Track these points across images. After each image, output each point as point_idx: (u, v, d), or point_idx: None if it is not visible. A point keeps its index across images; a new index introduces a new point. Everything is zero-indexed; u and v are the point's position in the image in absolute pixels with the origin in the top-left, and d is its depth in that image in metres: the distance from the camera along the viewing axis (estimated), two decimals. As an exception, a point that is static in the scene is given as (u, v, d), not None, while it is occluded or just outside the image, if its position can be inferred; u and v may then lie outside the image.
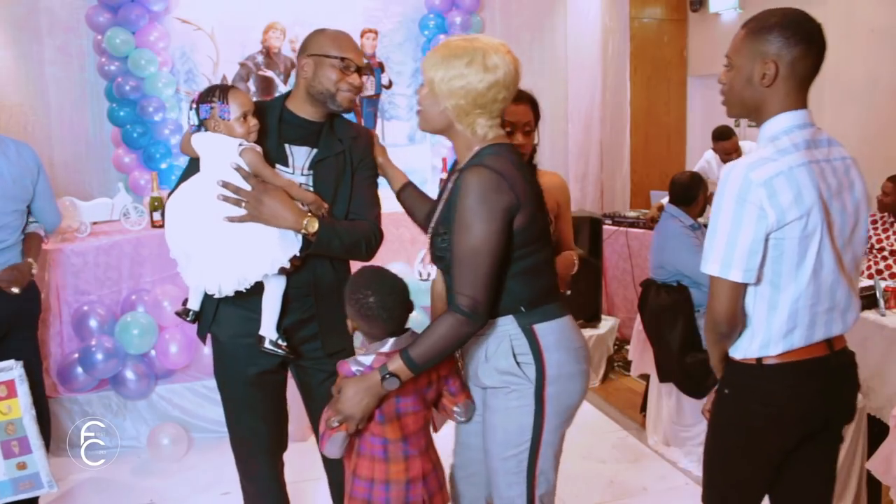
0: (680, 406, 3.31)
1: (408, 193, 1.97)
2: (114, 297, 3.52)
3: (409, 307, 1.70)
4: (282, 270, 1.84)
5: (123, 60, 4.13)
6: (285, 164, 1.92)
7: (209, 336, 2.06)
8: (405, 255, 3.69)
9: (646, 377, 3.70)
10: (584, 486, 3.05)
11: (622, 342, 4.70)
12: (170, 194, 1.93)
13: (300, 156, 1.94)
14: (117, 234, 3.56)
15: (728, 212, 1.51)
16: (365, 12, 4.77)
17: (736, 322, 1.59)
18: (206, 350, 3.49)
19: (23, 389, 2.34)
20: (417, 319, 3.56)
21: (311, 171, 1.93)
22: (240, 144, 1.82)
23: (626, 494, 3.03)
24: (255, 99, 1.95)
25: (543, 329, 1.65)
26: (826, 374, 1.63)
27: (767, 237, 1.51)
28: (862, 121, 5.25)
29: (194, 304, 1.98)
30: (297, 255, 1.84)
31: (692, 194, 3.35)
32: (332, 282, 1.97)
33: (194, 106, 1.86)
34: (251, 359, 1.97)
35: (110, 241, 3.50)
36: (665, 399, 3.38)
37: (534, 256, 1.65)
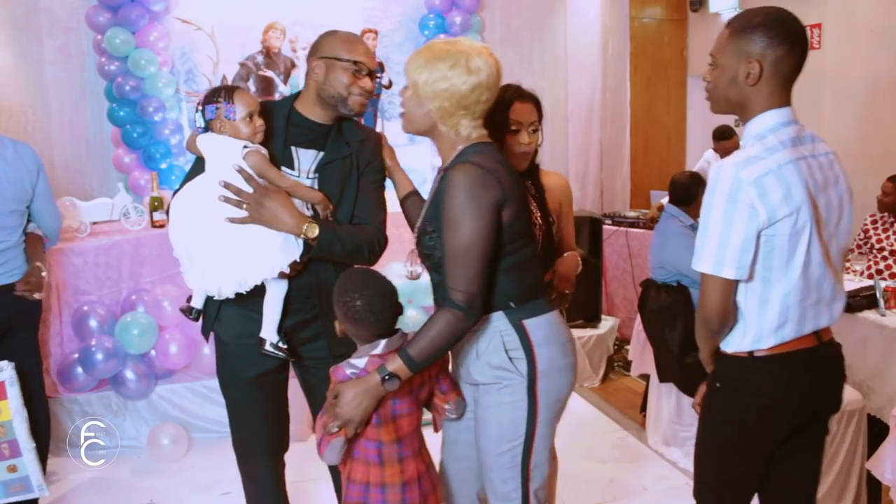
0: (680, 406, 3.31)
1: (411, 202, 1.96)
2: (114, 297, 3.52)
3: (398, 309, 1.70)
4: (282, 275, 1.84)
5: (123, 60, 4.13)
6: (291, 166, 1.91)
7: (212, 335, 2.07)
8: (405, 255, 3.70)
9: (646, 377, 3.70)
10: (584, 486, 3.05)
11: (622, 342, 4.70)
12: (175, 193, 1.93)
13: (306, 159, 1.93)
14: (117, 234, 3.56)
15: (719, 210, 1.53)
16: (365, 12, 4.77)
17: (727, 318, 1.61)
18: (206, 350, 3.52)
19: (13, 392, 2.31)
20: (417, 319, 3.56)
21: (317, 175, 1.93)
22: (244, 147, 1.82)
23: (626, 494, 3.03)
24: (259, 99, 1.94)
25: (533, 324, 1.67)
26: (816, 364, 1.66)
27: (759, 234, 1.53)
28: (862, 121, 5.25)
29: (198, 303, 1.98)
30: (298, 260, 1.84)
31: (692, 194, 3.35)
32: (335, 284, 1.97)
33: (200, 107, 1.86)
34: (253, 359, 1.98)
35: (110, 241, 3.50)
36: (665, 399, 3.38)
37: (521, 252, 1.67)
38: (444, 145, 1.69)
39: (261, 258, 1.81)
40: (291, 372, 2.12)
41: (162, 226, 3.64)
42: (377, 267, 1.97)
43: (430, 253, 1.68)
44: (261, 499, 2.16)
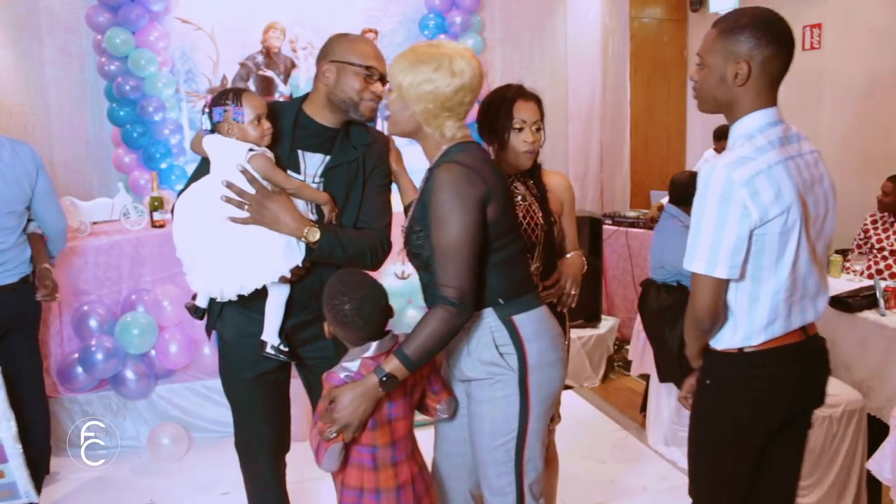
0: (680, 406, 3.31)
1: None
2: (114, 297, 3.52)
3: (388, 313, 1.69)
4: (283, 279, 1.84)
5: (123, 60, 4.13)
6: (297, 170, 1.91)
7: (215, 335, 2.07)
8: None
9: (646, 377, 3.70)
10: (584, 486, 3.05)
11: (622, 342, 4.70)
12: (181, 193, 1.93)
13: (313, 163, 1.92)
14: (117, 234, 3.56)
15: (712, 211, 1.54)
16: (365, 12, 4.77)
17: (718, 317, 1.63)
18: (207, 350, 3.52)
19: None
20: (417, 319, 3.56)
21: (323, 179, 1.92)
22: (249, 150, 1.81)
23: (626, 494, 3.03)
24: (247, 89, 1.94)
25: (522, 319, 1.69)
26: (804, 358, 1.71)
27: (751, 234, 1.55)
28: (862, 121, 5.25)
29: (202, 302, 1.98)
30: (300, 265, 1.84)
31: (692, 194, 3.34)
32: None
33: (206, 109, 1.85)
34: (254, 359, 1.98)
35: (110, 241, 3.50)
36: (665, 399, 3.39)
37: (507, 249, 1.69)
38: (430, 146, 1.71)
39: (263, 261, 1.81)
40: (293, 372, 2.12)
41: (162, 226, 3.64)
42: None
43: (417, 252, 1.70)
44: (262, 499, 2.16)
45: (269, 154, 1.85)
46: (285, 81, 4.65)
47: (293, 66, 4.66)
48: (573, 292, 2.11)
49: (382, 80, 1.88)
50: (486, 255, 1.65)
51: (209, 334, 2.09)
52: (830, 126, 5.36)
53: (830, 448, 2.84)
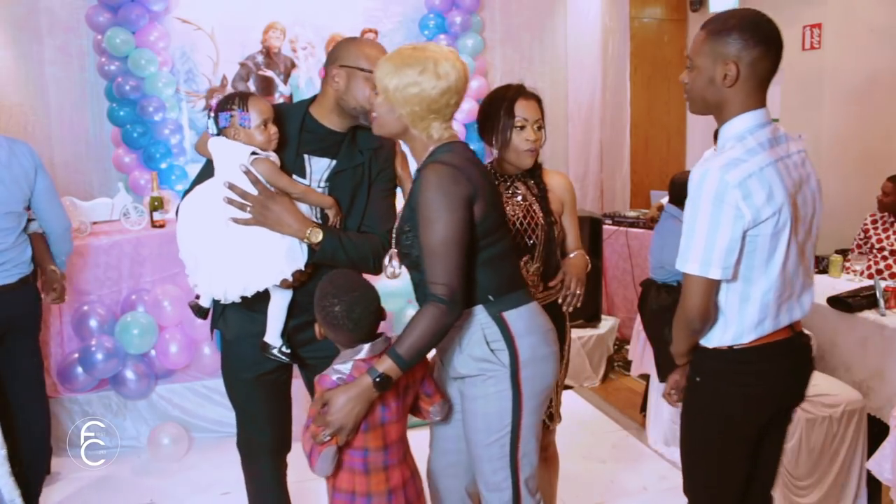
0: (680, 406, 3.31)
1: None
2: (114, 297, 3.52)
3: (380, 315, 1.69)
4: (285, 284, 1.84)
5: (123, 60, 4.13)
6: (302, 174, 1.90)
7: (216, 334, 2.07)
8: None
9: (646, 377, 3.70)
10: (584, 486, 3.05)
11: (622, 342, 4.70)
12: (185, 193, 1.93)
13: (319, 168, 1.92)
14: (117, 234, 3.56)
15: (706, 213, 1.56)
16: (365, 12, 4.77)
17: (709, 317, 1.65)
18: (207, 350, 3.52)
19: None
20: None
21: (328, 184, 1.92)
22: (252, 153, 1.81)
23: (626, 494, 3.03)
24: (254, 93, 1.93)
25: (513, 315, 1.71)
26: (792, 354, 1.74)
27: (744, 235, 1.57)
28: (862, 120, 5.25)
29: (205, 302, 1.98)
30: (302, 269, 1.84)
31: (692, 194, 3.35)
32: None
33: (212, 113, 1.85)
34: (255, 358, 1.98)
35: (110, 241, 3.50)
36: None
37: (496, 246, 1.70)
38: (417, 147, 1.72)
39: (266, 264, 1.81)
40: (295, 372, 2.12)
41: (162, 226, 3.64)
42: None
43: (407, 252, 1.71)
44: (263, 498, 2.17)
45: (273, 157, 1.85)
46: (285, 81, 4.65)
47: (293, 66, 4.66)
48: (578, 292, 2.12)
49: None
50: (475, 253, 1.67)
51: (212, 333, 2.09)
52: (830, 126, 5.35)
53: (830, 448, 2.84)
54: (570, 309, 2.15)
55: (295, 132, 1.90)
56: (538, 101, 2.14)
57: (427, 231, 1.60)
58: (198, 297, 1.99)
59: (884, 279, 3.64)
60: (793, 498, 2.79)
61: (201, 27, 4.47)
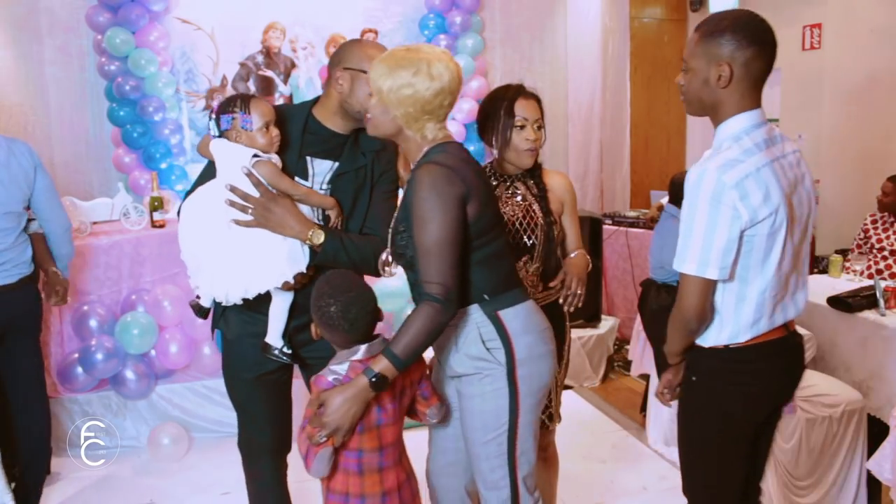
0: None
1: None
2: (114, 297, 3.52)
3: (376, 316, 1.69)
4: (286, 286, 1.84)
5: (123, 60, 4.13)
6: (305, 176, 1.90)
7: (217, 334, 2.07)
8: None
9: (646, 377, 3.70)
10: (584, 486, 3.05)
11: (622, 342, 4.70)
12: (187, 194, 1.93)
13: (321, 170, 1.92)
14: (117, 234, 3.56)
15: (703, 213, 1.56)
16: (365, 12, 4.77)
17: (705, 317, 1.66)
18: (207, 350, 3.52)
19: None
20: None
21: (330, 186, 1.92)
22: (254, 155, 1.81)
23: (626, 494, 3.03)
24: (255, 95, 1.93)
25: (508, 314, 1.72)
26: (787, 353, 1.76)
27: (741, 235, 1.58)
28: (862, 121, 5.25)
29: (206, 302, 1.98)
30: (304, 271, 1.84)
31: (692, 194, 3.35)
32: None
33: (213, 116, 1.84)
34: (255, 358, 1.98)
35: (110, 241, 3.50)
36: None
37: (490, 246, 1.71)
38: (412, 148, 1.73)
39: (268, 267, 1.81)
40: (295, 372, 2.12)
41: (162, 226, 3.64)
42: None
43: (402, 252, 1.72)
44: (263, 498, 2.17)
45: (275, 159, 1.85)
46: (285, 81, 4.65)
47: (293, 66, 4.66)
48: (579, 291, 2.12)
49: None
50: (470, 252, 1.67)
51: (213, 333, 2.09)
52: (830, 126, 5.35)
53: (830, 448, 2.84)
54: (572, 309, 2.15)
55: (297, 134, 1.89)
56: (538, 100, 2.15)
57: (421, 231, 1.60)
58: (198, 296, 1.99)
59: (884, 279, 3.64)
60: (793, 498, 2.79)
61: (201, 27, 4.47)
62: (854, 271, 3.71)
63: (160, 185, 3.97)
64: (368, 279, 2.00)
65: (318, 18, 4.66)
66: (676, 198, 3.40)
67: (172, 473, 3.26)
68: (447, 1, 4.73)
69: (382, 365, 1.57)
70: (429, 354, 1.92)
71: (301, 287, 1.87)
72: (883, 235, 3.98)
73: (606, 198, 5.89)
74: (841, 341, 3.18)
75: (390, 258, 1.82)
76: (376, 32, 4.75)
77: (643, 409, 3.69)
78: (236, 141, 1.82)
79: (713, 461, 1.78)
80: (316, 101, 1.95)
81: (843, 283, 3.59)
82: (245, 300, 1.85)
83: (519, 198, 2.16)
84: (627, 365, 4.15)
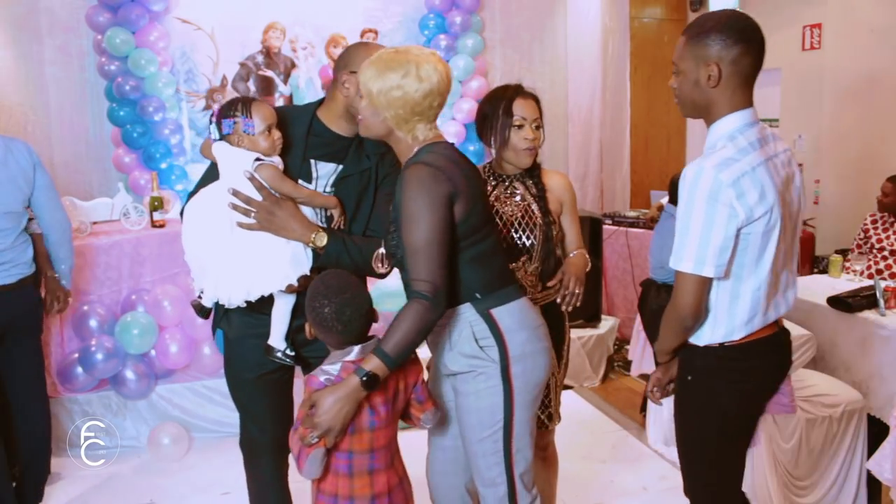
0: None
1: None
2: (114, 297, 3.52)
3: (371, 317, 1.69)
4: (290, 289, 1.84)
5: (123, 60, 4.13)
6: (308, 179, 1.90)
7: (218, 334, 2.07)
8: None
9: (646, 377, 3.69)
10: (584, 486, 3.05)
11: (622, 342, 4.70)
12: (190, 196, 1.93)
13: (325, 172, 1.92)
14: (117, 234, 3.55)
15: (700, 211, 1.58)
16: (365, 12, 4.77)
17: (700, 315, 1.68)
18: (207, 350, 3.52)
19: None
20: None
21: (333, 189, 1.92)
22: (256, 159, 1.81)
23: (626, 494, 3.03)
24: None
25: (501, 312, 1.73)
26: (779, 349, 1.80)
27: (737, 233, 1.59)
28: (862, 121, 5.25)
29: (208, 302, 1.98)
30: (308, 274, 1.84)
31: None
32: None
33: (214, 120, 1.84)
34: (257, 358, 1.98)
35: (110, 240, 3.50)
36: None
37: (481, 244, 1.72)
38: (402, 149, 1.74)
39: (271, 270, 1.82)
40: (297, 372, 2.12)
41: (162, 226, 3.64)
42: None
43: (393, 252, 1.73)
44: (264, 498, 2.17)
45: (276, 161, 1.84)
46: (285, 81, 4.65)
47: (293, 66, 4.66)
48: (577, 291, 2.12)
49: None
50: (460, 251, 1.69)
51: (214, 333, 2.09)
52: (830, 126, 5.35)
53: (830, 448, 2.84)
54: (570, 308, 2.14)
55: (301, 136, 1.89)
56: (536, 100, 2.15)
57: (409, 229, 1.62)
58: (200, 296, 1.99)
59: (884, 279, 3.64)
60: (793, 498, 2.79)
61: (201, 27, 4.47)
62: (854, 271, 3.71)
63: (160, 185, 3.97)
64: (369, 280, 2.00)
65: (318, 18, 4.66)
66: (676, 198, 3.39)
67: (172, 473, 3.26)
68: (447, 1, 4.73)
69: (373, 364, 1.58)
70: (425, 358, 1.93)
71: (304, 290, 1.87)
72: (883, 235, 3.98)
73: (606, 198, 5.89)
74: (841, 341, 3.18)
75: (383, 254, 1.83)
76: (376, 32, 4.75)
77: (643, 409, 3.69)
78: (238, 145, 1.82)
79: (713, 459, 1.79)
80: (320, 103, 1.95)
81: (843, 283, 3.58)
82: (248, 302, 1.85)
83: (518, 198, 2.16)
84: (627, 365, 4.15)
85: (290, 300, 1.91)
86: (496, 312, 1.72)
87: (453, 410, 1.84)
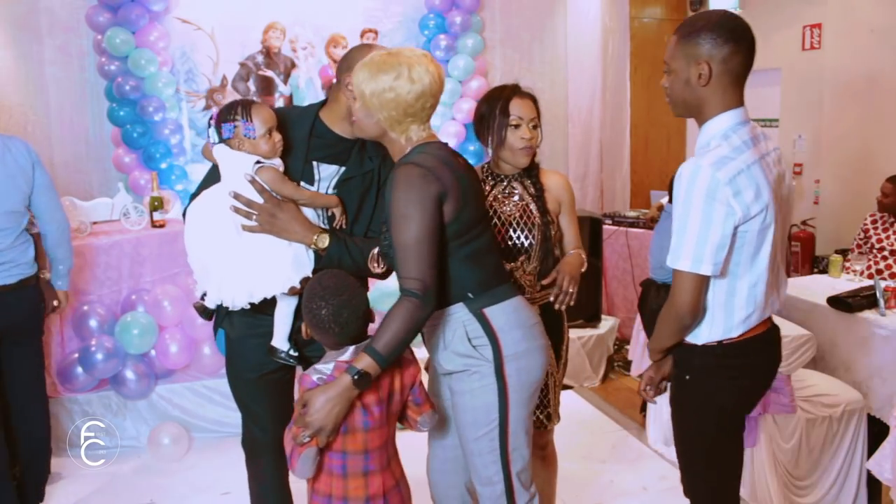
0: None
1: None
2: (114, 297, 3.52)
3: (368, 318, 1.69)
4: (293, 291, 1.84)
5: (123, 60, 4.13)
6: (311, 181, 1.90)
7: (219, 335, 2.07)
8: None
9: (646, 377, 3.69)
10: (584, 486, 3.05)
11: (622, 342, 4.70)
12: (192, 197, 1.93)
13: (328, 174, 1.92)
14: (117, 234, 3.56)
15: (697, 209, 1.58)
16: (365, 12, 4.77)
17: (698, 313, 1.68)
18: (206, 350, 3.52)
19: None
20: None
21: (336, 191, 1.93)
22: (257, 162, 1.80)
23: (626, 494, 3.03)
24: (256, 99, 1.93)
25: (494, 311, 1.74)
26: (773, 344, 1.81)
27: (734, 231, 1.60)
28: (862, 121, 5.25)
29: (211, 303, 1.98)
30: (310, 275, 1.84)
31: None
32: None
33: (213, 123, 1.83)
34: (258, 358, 1.99)
35: (110, 240, 3.50)
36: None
37: (473, 244, 1.73)
38: (396, 150, 1.76)
39: (273, 272, 1.82)
40: (298, 371, 2.12)
41: (162, 226, 3.64)
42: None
43: (386, 252, 1.74)
44: (264, 497, 2.17)
45: (277, 163, 1.84)
46: (285, 81, 4.65)
47: (293, 66, 4.66)
48: (571, 290, 2.11)
49: None
50: (453, 250, 1.70)
51: (215, 332, 2.09)
52: (830, 126, 5.35)
53: (830, 448, 2.84)
54: (562, 307, 2.14)
55: (303, 138, 1.89)
56: (533, 100, 2.16)
57: (398, 229, 1.63)
58: (202, 297, 1.99)
59: (884, 279, 3.64)
60: (793, 498, 2.79)
61: (201, 27, 4.47)
62: (854, 271, 3.71)
63: (160, 185, 3.97)
64: (370, 280, 2.00)
65: (318, 18, 4.66)
66: (676, 198, 3.40)
67: (172, 473, 3.26)
68: (447, 1, 4.73)
69: (365, 362, 1.58)
70: (423, 358, 1.93)
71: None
72: (883, 235, 3.98)
73: (606, 198, 5.89)
74: (841, 341, 3.18)
75: (377, 254, 1.84)
76: (376, 32, 4.75)
77: (643, 409, 3.69)
78: (239, 149, 1.81)
79: (712, 457, 1.80)
80: (322, 104, 1.95)
81: (843, 283, 3.59)
82: (251, 304, 1.85)
83: (516, 197, 2.16)
84: (627, 365, 4.15)
85: (293, 302, 1.91)
86: (489, 311, 1.73)
87: (451, 409, 1.85)
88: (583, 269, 2.20)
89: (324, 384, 1.60)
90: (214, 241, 1.83)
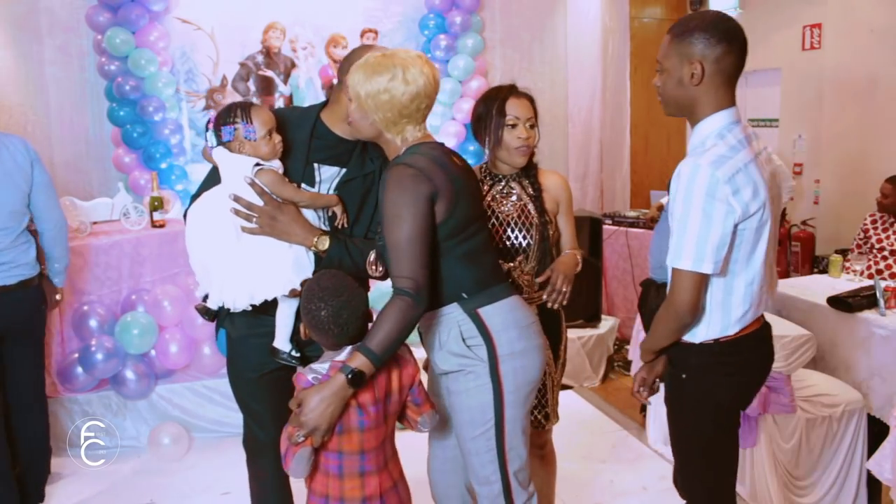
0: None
1: None
2: (114, 297, 3.52)
3: (367, 318, 1.69)
4: (294, 293, 1.84)
5: (123, 60, 4.13)
6: (311, 183, 1.90)
7: (220, 335, 2.07)
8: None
9: (646, 377, 3.69)
10: (584, 486, 3.05)
11: (622, 342, 4.70)
12: (193, 198, 1.93)
13: (328, 176, 1.92)
14: (117, 234, 3.56)
15: (698, 208, 1.59)
16: (365, 12, 4.77)
17: (697, 311, 1.69)
18: (206, 350, 3.52)
19: None
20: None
21: (336, 192, 1.93)
22: (256, 164, 1.80)
23: (626, 494, 3.03)
24: (256, 99, 1.93)
25: (488, 311, 1.74)
26: (766, 341, 1.83)
27: (734, 229, 1.61)
28: (862, 121, 5.25)
29: (213, 305, 1.98)
30: (311, 277, 1.84)
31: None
32: None
33: (212, 126, 1.82)
34: (259, 358, 1.99)
35: (110, 240, 3.50)
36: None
37: (467, 244, 1.74)
38: (391, 150, 1.77)
39: (274, 275, 1.82)
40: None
41: (162, 226, 3.64)
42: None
43: (382, 252, 1.74)
44: (265, 497, 2.17)
45: (276, 165, 1.84)
46: (285, 81, 4.65)
47: (293, 66, 4.66)
48: (564, 289, 2.11)
49: None
50: (448, 249, 1.70)
51: (216, 332, 2.10)
52: (830, 126, 5.35)
53: (830, 448, 2.84)
54: (556, 306, 2.14)
55: (304, 139, 1.89)
56: (530, 99, 2.17)
57: (390, 229, 1.64)
58: (204, 299, 1.99)
59: (884, 279, 3.64)
60: (793, 498, 2.79)
61: (201, 27, 4.47)
62: (854, 271, 3.71)
63: (160, 185, 3.97)
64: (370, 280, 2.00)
65: (318, 18, 4.66)
66: (676, 198, 3.40)
67: (172, 473, 3.26)
68: (447, 1, 4.73)
69: (359, 361, 1.58)
70: (422, 358, 1.93)
71: None
72: (883, 235, 3.98)
73: (606, 198, 5.89)
74: (841, 341, 3.18)
75: (374, 259, 1.84)
76: (376, 32, 4.75)
77: (643, 409, 3.69)
78: (240, 151, 1.81)
79: (709, 454, 1.80)
80: (323, 105, 1.95)
81: (843, 283, 3.58)
82: (252, 305, 1.85)
83: (514, 197, 2.17)
84: (627, 365, 4.15)
85: (294, 303, 1.91)
86: (484, 311, 1.74)
87: (449, 409, 1.86)
88: (577, 270, 2.20)
89: (319, 383, 1.59)
90: (215, 243, 1.83)
